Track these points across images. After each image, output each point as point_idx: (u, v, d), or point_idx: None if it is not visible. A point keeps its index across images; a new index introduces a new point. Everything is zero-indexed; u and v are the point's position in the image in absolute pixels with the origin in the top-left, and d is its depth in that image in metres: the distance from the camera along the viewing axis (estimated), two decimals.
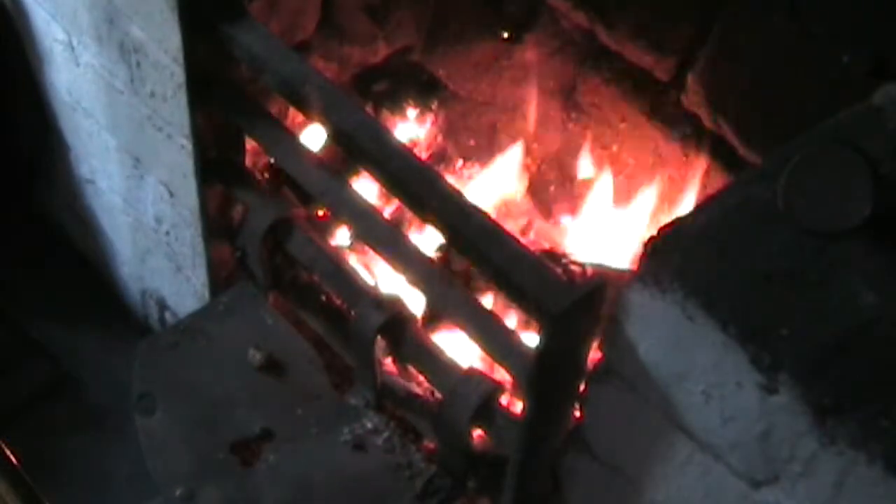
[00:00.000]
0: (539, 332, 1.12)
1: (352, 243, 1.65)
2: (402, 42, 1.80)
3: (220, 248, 1.65)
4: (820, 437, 0.91)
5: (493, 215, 1.22)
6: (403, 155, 1.28)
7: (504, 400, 1.36)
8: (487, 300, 1.48)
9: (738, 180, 1.13)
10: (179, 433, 1.47)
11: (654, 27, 1.56)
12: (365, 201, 1.42)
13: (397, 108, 1.81)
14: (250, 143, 1.56)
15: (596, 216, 1.74)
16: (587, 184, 1.78)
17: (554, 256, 1.62)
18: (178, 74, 1.45)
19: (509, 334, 1.26)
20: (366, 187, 1.51)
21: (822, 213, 0.99)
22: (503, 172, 1.80)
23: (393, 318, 1.40)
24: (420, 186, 1.24)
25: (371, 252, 1.47)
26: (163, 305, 1.97)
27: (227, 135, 1.54)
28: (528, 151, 1.83)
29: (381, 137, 1.30)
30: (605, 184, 1.76)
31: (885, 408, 0.90)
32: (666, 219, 1.08)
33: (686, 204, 1.63)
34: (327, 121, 1.33)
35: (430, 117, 1.84)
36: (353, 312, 1.47)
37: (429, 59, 1.84)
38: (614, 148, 1.77)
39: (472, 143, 1.86)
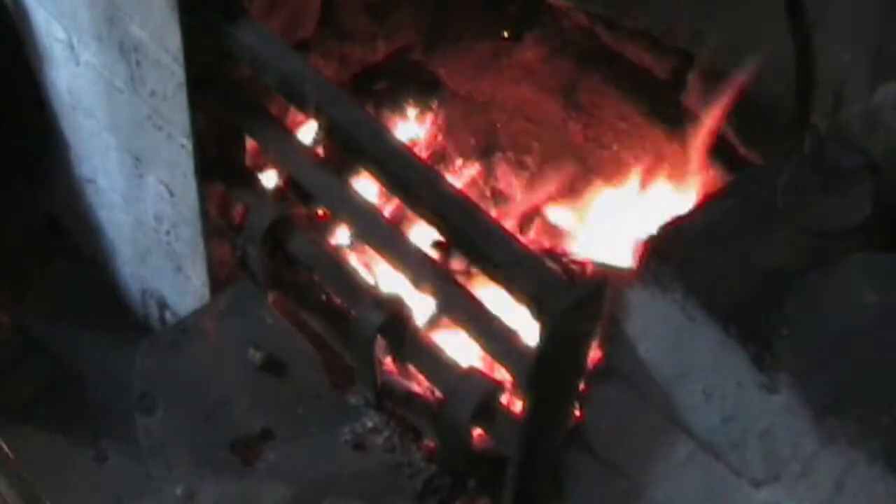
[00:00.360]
0: (539, 332, 1.12)
1: (352, 243, 1.65)
2: (402, 42, 1.80)
3: (220, 248, 1.65)
4: (820, 436, 0.91)
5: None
6: (403, 154, 1.28)
7: (504, 399, 1.36)
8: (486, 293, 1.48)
9: (738, 180, 1.13)
10: (179, 433, 1.47)
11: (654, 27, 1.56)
12: (365, 201, 1.42)
13: (397, 107, 1.81)
14: (250, 143, 1.56)
15: (596, 215, 1.74)
16: (587, 183, 1.78)
17: (554, 256, 1.62)
18: (178, 73, 1.45)
19: (509, 334, 1.26)
20: (366, 187, 1.51)
21: (822, 213, 0.99)
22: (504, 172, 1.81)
23: (393, 318, 1.40)
24: (420, 185, 1.24)
25: (371, 252, 1.47)
26: (163, 305, 1.97)
27: (227, 134, 1.54)
28: (528, 151, 1.83)
29: (382, 137, 1.30)
30: (605, 183, 1.76)
31: (886, 406, 0.90)
32: (666, 218, 1.08)
33: (686, 204, 1.63)
34: (327, 120, 1.33)
35: (430, 117, 1.84)
36: (352, 312, 1.47)
37: (429, 59, 1.84)
38: (614, 148, 1.77)
39: (472, 142, 1.86)
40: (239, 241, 1.59)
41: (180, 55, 1.42)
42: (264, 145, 1.50)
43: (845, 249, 0.99)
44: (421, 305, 1.42)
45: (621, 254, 1.66)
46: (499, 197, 1.81)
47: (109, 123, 1.76)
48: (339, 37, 1.69)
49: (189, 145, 1.53)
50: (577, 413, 1.21)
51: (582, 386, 1.18)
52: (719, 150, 1.57)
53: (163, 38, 1.45)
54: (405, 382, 1.51)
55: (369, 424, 1.47)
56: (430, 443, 1.46)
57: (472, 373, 1.35)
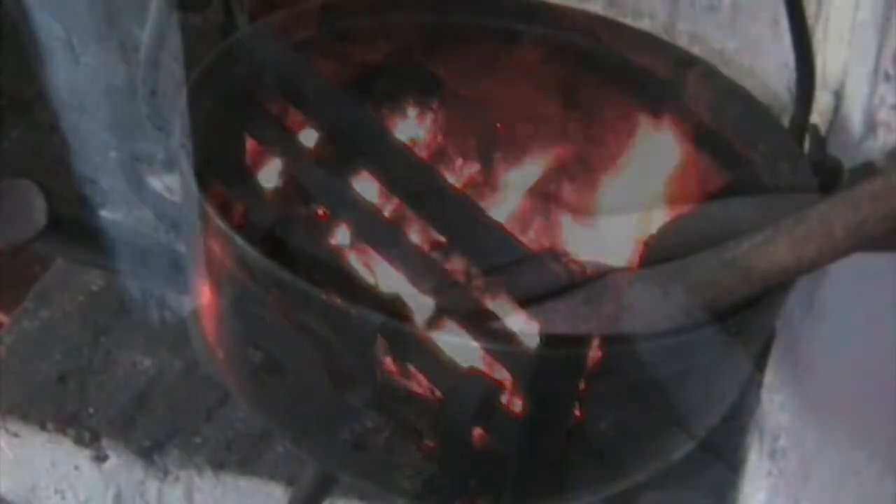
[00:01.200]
0: (539, 332, 1.12)
1: (352, 243, 1.65)
2: (402, 42, 1.80)
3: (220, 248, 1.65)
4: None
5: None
6: (403, 154, 1.28)
7: (504, 399, 1.36)
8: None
9: (737, 180, 1.13)
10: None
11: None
12: (365, 201, 1.42)
13: (397, 107, 1.81)
14: (250, 143, 1.56)
15: (596, 215, 1.74)
16: (587, 183, 1.78)
17: (554, 256, 1.62)
18: (178, 73, 1.45)
19: (509, 334, 1.26)
20: (366, 187, 1.51)
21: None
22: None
23: (393, 318, 1.40)
24: (420, 185, 1.24)
25: (371, 252, 1.47)
26: (163, 305, 1.97)
27: (228, 134, 1.54)
28: (528, 151, 1.83)
29: (382, 137, 1.30)
30: (604, 183, 1.76)
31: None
32: (666, 218, 1.08)
33: (686, 203, 1.63)
34: (327, 120, 1.33)
35: (430, 117, 1.84)
36: (353, 312, 1.47)
37: (429, 59, 1.84)
38: (614, 148, 1.77)
39: (472, 142, 1.86)
40: (239, 241, 1.59)
41: (180, 55, 1.42)
42: (264, 146, 1.50)
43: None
44: (421, 305, 1.42)
45: (621, 254, 1.66)
46: (498, 196, 1.81)
47: (109, 123, 1.76)
48: (340, 37, 1.69)
49: (189, 145, 1.53)
50: (577, 413, 1.21)
51: (582, 386, 1.18)
52: (719, 150, 1.57)
53: (163, 38, 1.45)
54: (405, 382, 1.51)
55: (369, 424, 1.47)
56: (430, 443, 1.46)
57: (472, 373, 1.35)
